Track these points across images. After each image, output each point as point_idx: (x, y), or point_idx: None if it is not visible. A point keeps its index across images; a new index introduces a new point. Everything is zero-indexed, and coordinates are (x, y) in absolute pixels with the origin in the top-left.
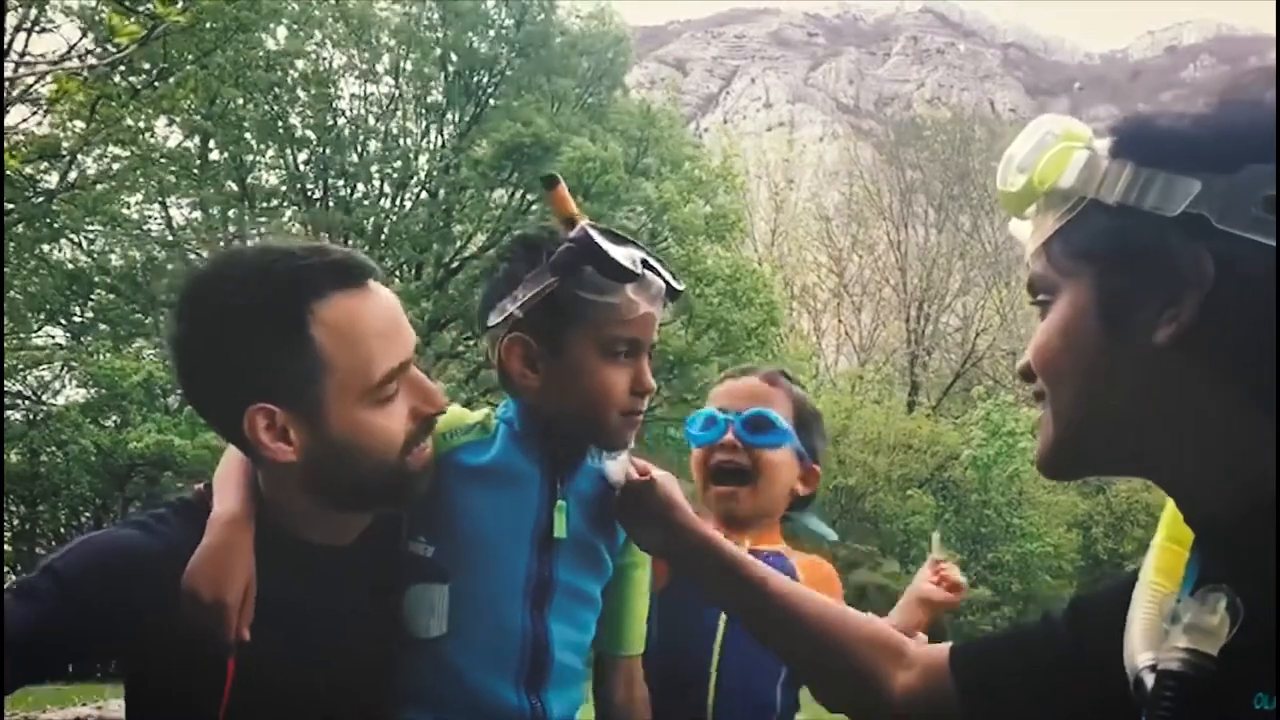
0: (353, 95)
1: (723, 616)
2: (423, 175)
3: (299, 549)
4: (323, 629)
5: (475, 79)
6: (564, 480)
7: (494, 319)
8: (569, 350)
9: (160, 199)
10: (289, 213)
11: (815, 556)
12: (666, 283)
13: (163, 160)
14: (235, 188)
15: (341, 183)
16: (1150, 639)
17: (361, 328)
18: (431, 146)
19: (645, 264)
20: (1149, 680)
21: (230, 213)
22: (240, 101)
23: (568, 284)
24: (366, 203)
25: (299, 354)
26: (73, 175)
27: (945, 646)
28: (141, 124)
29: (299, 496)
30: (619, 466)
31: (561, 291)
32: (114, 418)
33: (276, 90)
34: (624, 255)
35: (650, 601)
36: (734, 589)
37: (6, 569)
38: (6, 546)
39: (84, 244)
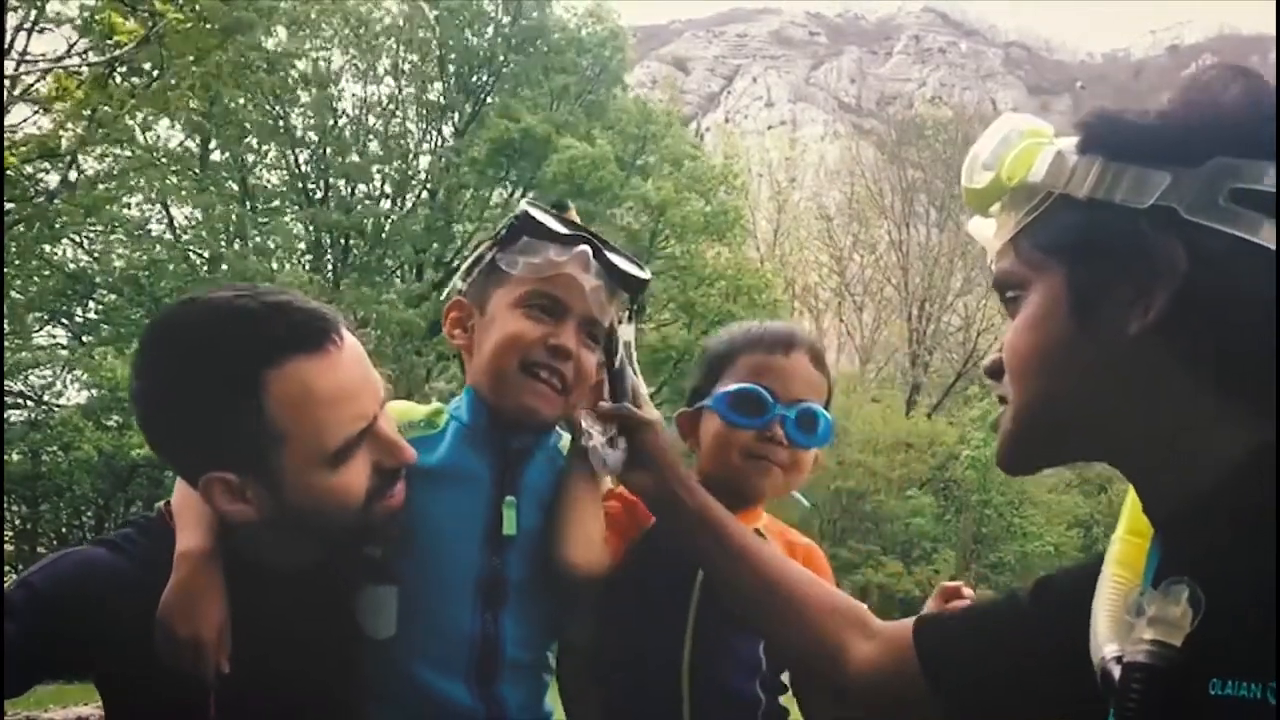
0: (353, 96)
1: (693, 608)
2: (423, 175)
3: (262, 573)
4: (291, 648)
5: (474, 78)
6: (515, 476)
7: (445, 295)
8: (490, 306)
9: (161, 199)
10: (290, 213)
11: (800, 536)
12: (617, 268)
13: (164, 161)
14: (236, 188)
15: (343, 183)
16: (1115, 631)
17: (318, 397)
18: (432, 146)
19: (583, 239)
20: (1116, 672)
21: (232, 213)
22: (241, 102)
23: (503, 252)
24: (368, 203)
25: (252, 424)
26: (73, 175)
27: (909, 620)
28: (140, 124)
29: (261, 532)
30: (614, 458)
31: (497, 259)
32: (116, 419)
33: (277, 91)
34: (554, 222)
35: (609, 594)
36: (714, 547)
37: (8, 568)
38: (8, 545)
39: (85, 244)
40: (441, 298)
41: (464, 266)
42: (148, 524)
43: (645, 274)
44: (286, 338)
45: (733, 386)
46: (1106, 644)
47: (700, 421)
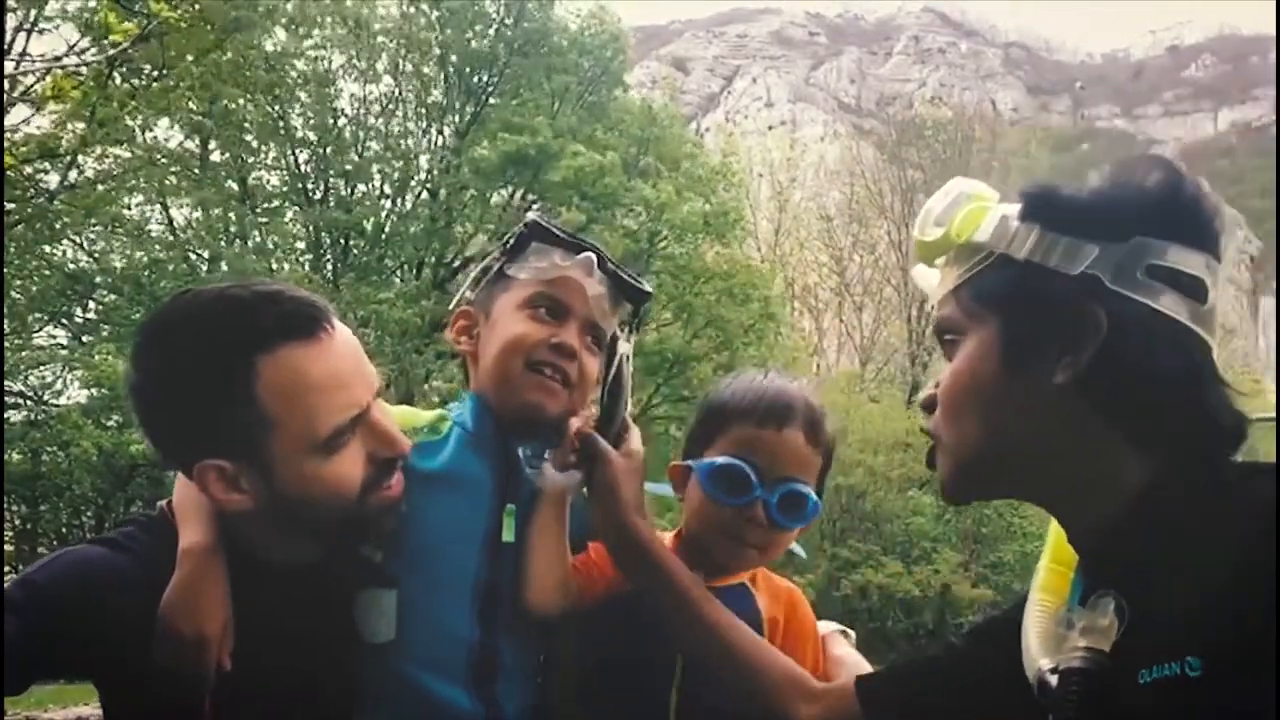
0: (352, 95)
1: (679, 660)
2: (423, 175)
3: (261, 571)
4: (291, 647)
5: (475, 78)
6: (517, 483)
7: (453, 304)
8: (495, 311)
9: (161, 199)
10: (290, 213)
11: (783, 582)
12: (620, 277)
13: (163, 161)
14: (236, 188)
15: (342, 183)
16: (1047, 646)
17: (308, 383)
18: (432, 146)
19: (586, 247)
20: (1052, 681)
21: (231, 213)
22: (241, 102)
23: (509, 261)
24: (367, 202)
25: (245, 411)
26: (73, 175)
27: (851, 679)
28: (140, 124)
29: (260, 527)
30: (551, 476)
31: (504, 267)
32: (116, 418)
33: (277, 91)
34: (559, 229)
35: (596, 623)
36: (661, 597)
37: (8, 568)
38: (8, 546)
39: (85, 244)
40: (450, 306)
41: (472, 276)
42: (149, 522)
43: (648, 287)
44: (277, 325)
45: (718, 460)
46: (1041, 658)
47: (689, 479)
